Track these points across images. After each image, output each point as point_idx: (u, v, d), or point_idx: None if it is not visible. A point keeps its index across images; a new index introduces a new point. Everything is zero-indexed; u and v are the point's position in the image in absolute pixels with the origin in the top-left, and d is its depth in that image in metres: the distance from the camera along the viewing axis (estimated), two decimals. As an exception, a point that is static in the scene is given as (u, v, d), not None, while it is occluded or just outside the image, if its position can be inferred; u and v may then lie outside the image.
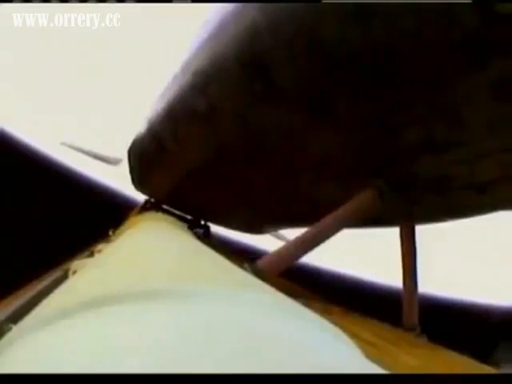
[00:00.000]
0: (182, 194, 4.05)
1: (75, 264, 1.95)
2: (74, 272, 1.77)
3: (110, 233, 3.49)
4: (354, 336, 0.62)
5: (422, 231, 2.67)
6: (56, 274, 1.94)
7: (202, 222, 4.70)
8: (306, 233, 2.24)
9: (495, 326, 4.67)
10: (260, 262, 2.10)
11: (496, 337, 4.53)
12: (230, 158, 2.98)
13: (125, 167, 4.89)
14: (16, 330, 0.62)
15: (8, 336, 0.58)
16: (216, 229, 4.83)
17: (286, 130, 2.45)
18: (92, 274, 0.97)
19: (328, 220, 2.19)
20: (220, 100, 2.69)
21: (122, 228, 3.37)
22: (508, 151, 1.90)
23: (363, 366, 0.50)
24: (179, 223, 3.35)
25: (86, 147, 5.95)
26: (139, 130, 4.30)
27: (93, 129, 5.90)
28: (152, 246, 1.43)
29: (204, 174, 3.40)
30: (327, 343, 0.53)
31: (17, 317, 1.08)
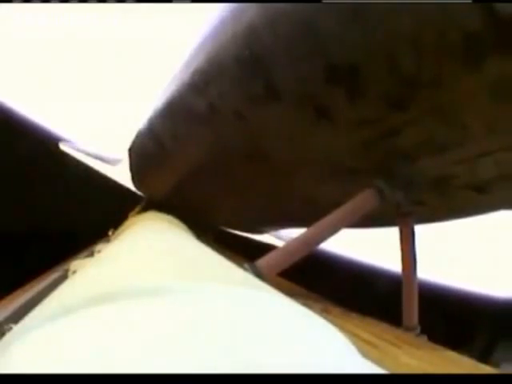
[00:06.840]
0: (181, 193, 4.05)
1: (75, 264, 1.95)
2: (74, 272, 1.77)
3: (110, 233, 3.50)
4: (353, 336, 0.62)
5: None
6: (56, 273, 1.95)
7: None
8: (306, 233, 2.23)
9: (494, 317, 4.65)
10: (260, 262, 2.10)
11: (496, 333, 4.52)
12: (229, 157, 2.98)
13: (125, 167, 4.89)
14: (16, 329, 0.62)
15: (8, 335, 0.58)
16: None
17: (286, 130, 2.45)
18: (92, 273, 0.97)
19: (328, 220, 2.18)
20: (219, 100, 2.69)
21: (121, 228, 3.37)
22: (507, 151, 1.90)
23: (362, 365, 0.50)
24: (178, 223, 3.35)
25: (86, 147, 5.96)
26: (139, 129, 4.30)
27: (93, 129, 5.90)
28: (151, 246, 1.43)
29: (203, 173, 3.40)
30: (326, 343, 0.53)
31: (17, 317, 1.09)
